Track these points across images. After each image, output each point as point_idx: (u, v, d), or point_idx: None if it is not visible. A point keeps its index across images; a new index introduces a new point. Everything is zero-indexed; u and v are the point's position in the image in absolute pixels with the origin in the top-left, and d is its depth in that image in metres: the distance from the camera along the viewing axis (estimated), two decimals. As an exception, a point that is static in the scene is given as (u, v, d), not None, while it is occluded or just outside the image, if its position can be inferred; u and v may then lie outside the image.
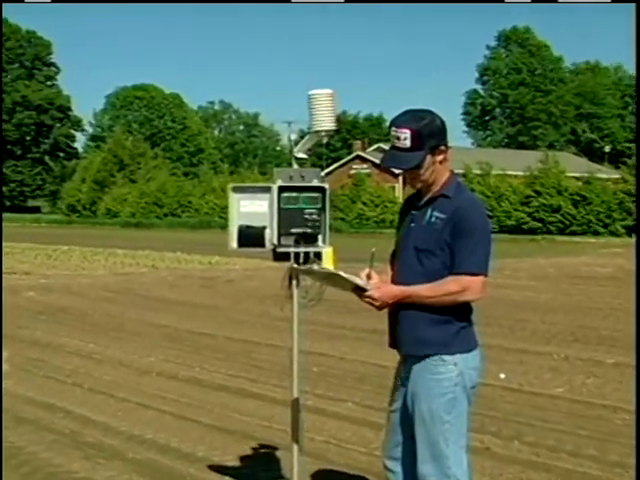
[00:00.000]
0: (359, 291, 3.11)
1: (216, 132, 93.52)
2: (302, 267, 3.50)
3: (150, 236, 37.27)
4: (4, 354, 7.35)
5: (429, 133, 3.01)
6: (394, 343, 3.18)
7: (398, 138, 3.01)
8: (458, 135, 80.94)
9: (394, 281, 3.15)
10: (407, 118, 3.03)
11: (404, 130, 2.99)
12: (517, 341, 9.00)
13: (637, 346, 7.56)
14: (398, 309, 3.11)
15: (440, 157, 3.06)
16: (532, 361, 7.81)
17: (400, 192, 44.28)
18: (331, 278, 3.21)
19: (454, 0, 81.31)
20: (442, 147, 3.06)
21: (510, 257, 20.88)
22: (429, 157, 3.03)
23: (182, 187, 54.56)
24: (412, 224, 3.12)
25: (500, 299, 12.47)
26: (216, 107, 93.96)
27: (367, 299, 3.09)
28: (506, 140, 79.28)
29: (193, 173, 70.22)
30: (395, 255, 3.23)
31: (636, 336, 7.70)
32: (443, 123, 3.07)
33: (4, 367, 7.04)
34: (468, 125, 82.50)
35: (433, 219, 3.04)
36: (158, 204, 53.37)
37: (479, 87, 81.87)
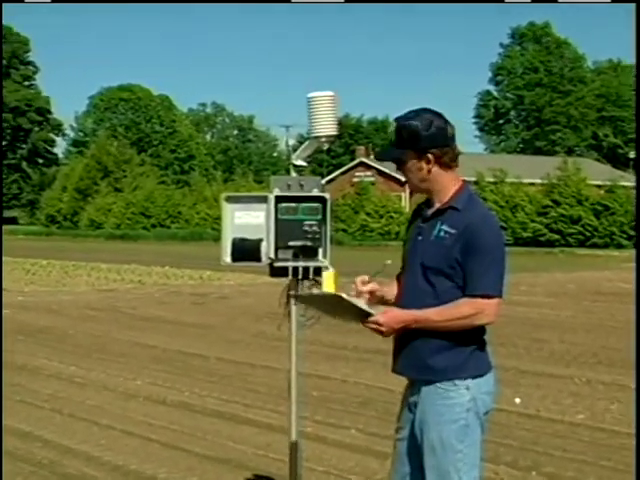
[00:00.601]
0: (363, 317, 3.08)
1: (208, 137, 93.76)
2: (300, 293, 3.52)
3: (137, 249, 37.29)
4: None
5: (409, 134, 3.06)
6: (400, 368, 3.19)
7: (394, 136, 3.16)
8: (469, 140, 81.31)
9: (399, 300, 3.16)
10: (406, 114, 3.13)
11: (395, 124, 3.14)
12: (534, 363, 8.99)
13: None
14: (404, 331, 3.11)
15: (431, 165, 3.07)
16: (550, 385, 7.80)
17: (407, 202, 44.38)
18: (331, 303, 3.17)
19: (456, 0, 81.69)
20: (432, 153, 3.06)
21: (526, 272, 20.90)
22: (414, 161, 3.08)
23: (171, 196, 54.69)
24: (419, 237, 3.14)
25: (515, 317, 12.47)
26: (208, 110, 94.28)
27: (372, 325, 3.08)
28: (521, 145, 79.45)
29: (183, 181, 70.33)
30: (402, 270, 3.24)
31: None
32: (443, 128, 3.07)
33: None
34: (480, 129, 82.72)
35: (442, 234, 3.05)
36: (145, 214, 53.47)
37: (492, 88, 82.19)
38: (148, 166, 63.71)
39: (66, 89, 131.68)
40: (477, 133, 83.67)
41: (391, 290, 3.25)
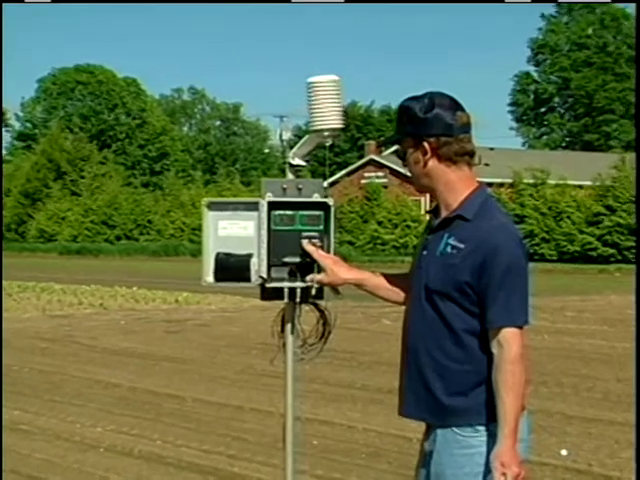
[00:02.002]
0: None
1: (185, 129, 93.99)
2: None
3: (98, 266, 37.33)
4: None
5: (409, 118, 3.13)
6: (408, 410, 3.23)
7: None
8: (504, 133, 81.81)
9: (406, 329, 3.23)
10: (411, 95, 3.21)
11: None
12: (584, 406, 9.01)
13: None
14: (413, 366, 3.16)
15: (427, 157, 3.11)
16: (605, 433, 7.81)
17: (427, 208, 44.44)
18: None
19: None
20: (427, 142, 3.10)
21: (573, 294, 20.93)
22: (411, 149, 3.15)
23: (140, 202, 54.86)
24: (424, 252, 3.19)
25: (560, 349, 12.48)
26: (185, 96, 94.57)
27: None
28: (568, 139, 79.59)
29: (154, 183, 70.47)
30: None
31: None
32: (447, 114, 3.08)
33: None
34: (517, 120, 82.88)
35: (448, 249, 3.09)
36: (108, 224, 53.62)
37: (532, 69, 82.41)
38: (111, 165, 63.84)
39: (10, 71, 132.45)
40: (513, 124, 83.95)
41: (372, 278, 3.39)
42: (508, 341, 3.01)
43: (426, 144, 3.11)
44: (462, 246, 3.05)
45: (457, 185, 3.13)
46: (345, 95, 3.64)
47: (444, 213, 3.16)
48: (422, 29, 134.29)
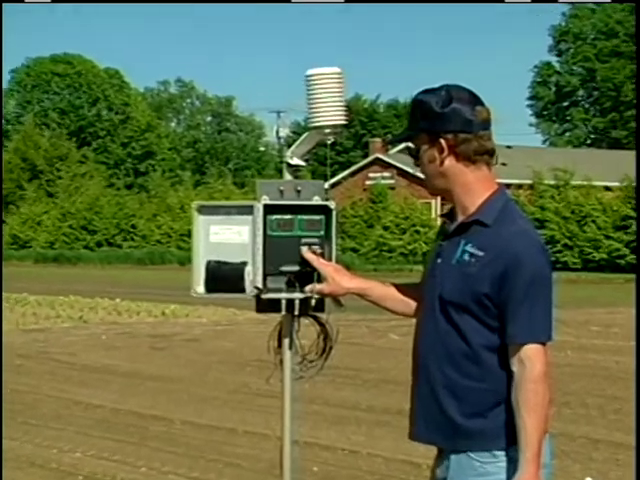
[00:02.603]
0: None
1: (172, 125, 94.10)
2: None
3: (77, 275, 37.33)
4: None
5: (424, 112, 3.14)
6: (419, 433, 3.23)
7: None
8: (523, 129, 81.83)
9: (417, 344, 3.22)
10: (425, 88, 3.21)
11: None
12: (610, 429, 9.01)
13: None
14: (424, 384, 3.17)
15: (444, 156, 3.11)
16: (633, 460, 7.81)
17: (438, 211, 44.39)
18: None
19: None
20: (444, 138, 3.10)
21: (599, 306, 20.93)
22: (426, 147, 3.14)
23: (123, 205, 54.89)
24: (438, 260, 3.18)
25: (584, 367, 12.48)
26: (172, 90, 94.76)
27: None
28: (593, 136, 79.60)
29: (139, 185, 70.53)
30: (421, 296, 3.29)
31: None
32: (466, 109, 3.09)
33: None
34: (537, 115, 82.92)
35: (466, 257, 3.08)
36: (88, 229, 53.64)
37: (553, 59, 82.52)
38: (92, 164, 63.96)
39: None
40: (532, 120, 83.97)
41: (377, 288, 3.40)
42: (531, 358, 3.01)
43: (443, 141, 3.10)
44: (481, 254, 3.04)
45: (475, 187, 3.13)
46: (348, 88, 3.65)
47: (460, 217, 3.15)
48: (432, 16, 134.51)
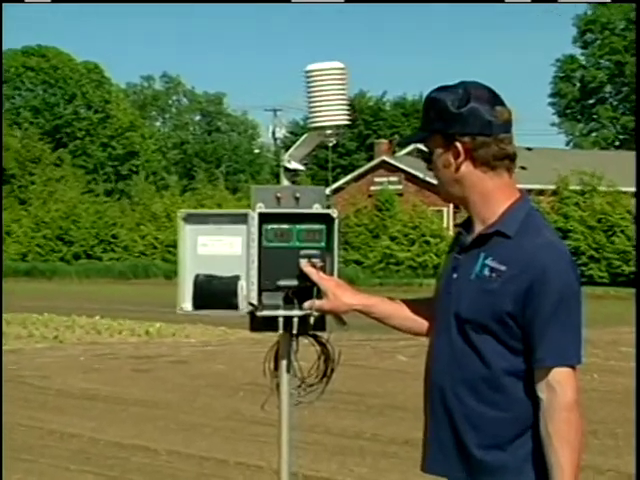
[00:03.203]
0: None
1: (157, 125, 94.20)
2: None
3: (52, 291, 37.28)
4: None
5: (440, 111, 3.13)
6: (433, 465, 3.22)
7: None
8: (544, 129, 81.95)
9: (430, 366, 3.22)
10: (440, 86, 3.20)
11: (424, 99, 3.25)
12: (641, 460, 8.99)
13: None
14: (439, 412, 3.16)
15: (460, 161, 3.11)
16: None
17: (450, 219, 44.42)
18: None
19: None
20: (461, 141, 3.10)
21: (628, 324, 20.87)
22: (441, 150, 3.14)
23: (103, 212, 54.88)
24: (454, 274, 3.18)
25: (613, 392, 12.46)
26: (157, 86, 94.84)
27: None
28: (622, 136, 79.58)
29: (121, 190, 70.52)
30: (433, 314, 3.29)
31: None
32: (485, 109, 3.09)
33: None
34: (560, 113, 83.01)
35: (485, 271, 3.08)
36: (64, 239, 53.62)
37: (578, 52, 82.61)
38: (68, 168, 64.00)
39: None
40: (555, 119, 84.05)
41: (382, 304, 3.40)
42: (561, 383, 3.00)
43: (459, 144, 3.09)
44: (503, 268, 3.04)
45: (495, 195, 3.13)
46: (351, 85, 3.66)
47: (479, 228, 3.15)
48: (444, 7, 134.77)
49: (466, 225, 3.22)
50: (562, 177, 43.07)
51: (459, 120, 3.09)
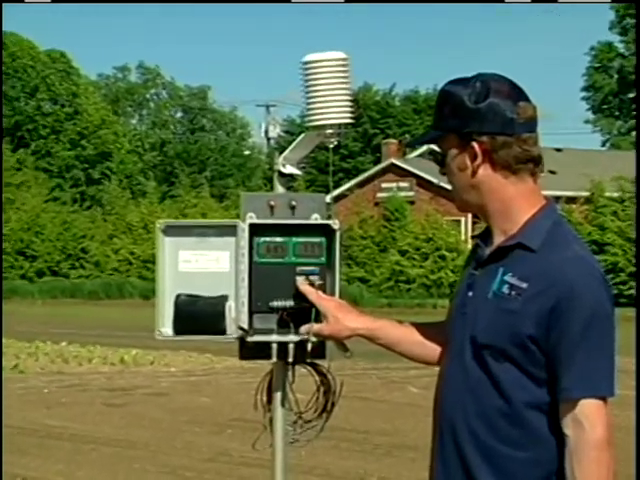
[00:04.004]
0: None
1: (133, 122, 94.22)
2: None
3: (11, 312, 37.19)
4: None
5: (455, 107, 3.14)
6: None
7: None
8: (577, 127, 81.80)
9: (440, 397, 3.23)
10: (456, 78, 3.22)
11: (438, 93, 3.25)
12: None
13: None
14: (450, 449, 3.16)
15: (477, 164, 3.12)
16: None
17: (469, 231, 44.34)
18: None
19: None
20: (478, 141, 3.11)
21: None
22: (455, 151, 3.15)
23: (71, 223, 54.87)
24: (469, 292, 3.19)
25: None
26: (132, 77, 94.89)
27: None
28: (665, 136, 79.62)
29: (91, 197, 70.48)
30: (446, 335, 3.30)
31: None
32: (505, 105, 3.10)
33: None
34: (595, 109, 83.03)
35: (504, 289, 3.08)
36: (25, 254, 53.61)
37: (615, 39, 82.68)
38: (30, 171, 63.93)
39: None
40: (589, 116, 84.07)
41: (390, 328, 3.41)
42: (590, 418, 2.99)
43: (476, 145, 3.11)
44: (524, 286, 3.04)
45: (517, 202, 3.14)
46: (355, 77, 3.68)
47: (498, 240, 3.16)
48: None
49: (484, 236, 3.24)
50: (597, 182, 43.03)
51: (477, 117, 3.10)
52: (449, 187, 3.25)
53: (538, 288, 3.02)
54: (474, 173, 3.13)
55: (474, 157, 3.12)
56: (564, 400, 3.01)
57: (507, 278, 3.08)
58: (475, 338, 3.10)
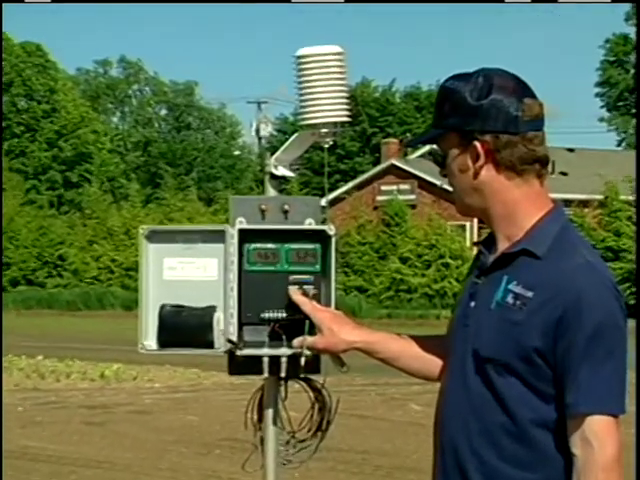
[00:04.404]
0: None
1: (114, 120, 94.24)
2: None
3: (-18, 325, 37.20)
4: None
5: (456, 104, 3.15)
6: None
7: None
8: (590, 125, 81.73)
9: (441, 415, 3.23)
10: (457, 74, 3.22)
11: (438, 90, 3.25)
12: None
13: None
14: (451, 470, 3.17)
15: (480, 164, 3.13)
16: None
17: (475, 237, 44.33)
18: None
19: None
20: (480, 140, 3.12)
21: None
22: (456, 151, 3.16)
23: (47, 228, 54.78)
24: (472, 303, 3.19)
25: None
26: (113, 72, 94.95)
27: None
28: (684, 135, 79.68)
29: (69, 201, 70.47)
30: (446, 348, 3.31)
31: None
32: (510, 102, 3.11)
33: None
34: (610, 106, 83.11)
35: (509, 298, 3.08)
36: (-1, 261, 53.54)
37: (631, 30, 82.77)
38: (5, 173, 63.87)
39: None
40: (603, 113, 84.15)
41: (389, 342, 3.41)
42: (599, 436, 2.98)
43: (478, 144, 3.11)
44: (529, 295, 3.04)
45: (522, 206, 3.14)
46: (352, 73, 3.68)
47: (502, 246, 3.16)
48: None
49: (487, 243, 3.24)
50: (612, 185, 43.02)
51: (479, 115, 3.11)
52: (451, 189, 3.25)
53: (544, 297, 3.02)
54: (476, 174, 3.14)
55: (476, 157, 3.12)
56: (571, 416, 3.00)
57: (511, 287, 3.08)
58: (477, 351, 3.10)
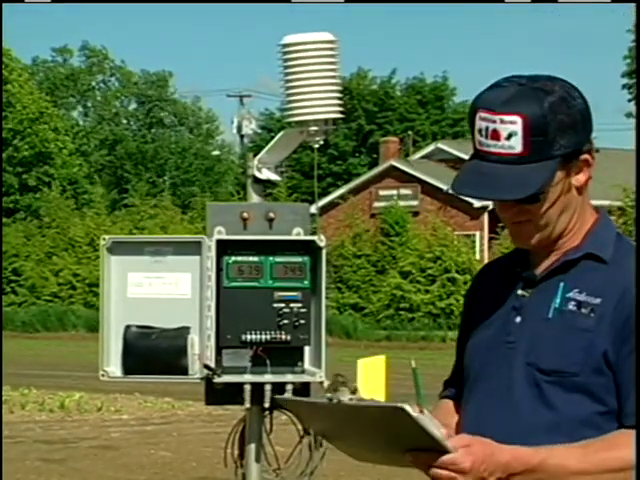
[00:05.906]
0: (429, 452, 2.96)
1: (75, 115, 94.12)
2: (303, 399, 3.41)
3: None
4: None
5: (561, 124, 3.11)
6: None
7: (495, 135, 3.11)
8: (615, 121, 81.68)
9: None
10: (512, 94, 3.11)
11: (509, 117, 3.09)
12: None
13: None
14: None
15: (581, 175, 3.17)
16: None
17: (485, 249, 44.25)
18: (373, 423, 3.01)
19: None
20: (585, 153, 3.17)
21: None
22: (559, 173, 3.13)
23: (1, 238, 54.71)
24: (517, 318, 3.19)
25: None
26: (74, 61, 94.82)
27: (445, 471, 2.96)
28: None
29: (26, 207, 70.40)
30: (461, 384, 3.32)
31: None
32: (585, 102, 3.18)
33: None
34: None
35: (571, 305, 3.12)
36: (-56, 276, 53.50)
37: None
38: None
39: None
40: (631, 108, 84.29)
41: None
42: None
43: (589, 156, 3.18)
44: (597, 301, 3.08)
45: (586, 213, 3.23)
46: (345, 63, 3.69)
47: (554, 255, 3.20)
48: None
49: (512, 258, 3.30)
50: (631, 191, 43.10)
51: (581, 126, 3.16)
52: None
53: (614, 301, 3.07)
54: (579, 192, 3.19)
55: (579, 170, 3.18)
56: (629, 427, 3.03)
57: (572, 294, 3.13)
58: (535, 365, 3.11)
